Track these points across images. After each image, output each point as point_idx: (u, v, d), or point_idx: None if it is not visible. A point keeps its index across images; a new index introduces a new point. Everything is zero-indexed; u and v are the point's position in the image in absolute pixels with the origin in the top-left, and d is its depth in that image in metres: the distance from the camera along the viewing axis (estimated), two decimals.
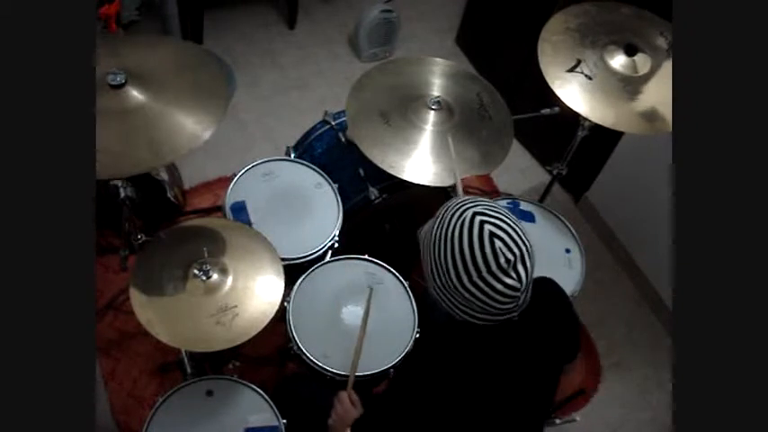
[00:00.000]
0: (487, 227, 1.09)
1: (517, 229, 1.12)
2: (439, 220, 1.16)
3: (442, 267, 1.12)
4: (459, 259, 1.09)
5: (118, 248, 1.99)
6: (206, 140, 1.43)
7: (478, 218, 1.10)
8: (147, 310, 1.46)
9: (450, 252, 1.10)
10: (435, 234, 1.14)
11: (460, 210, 1.13)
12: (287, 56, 3.07)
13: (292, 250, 1.75)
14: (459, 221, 1.11)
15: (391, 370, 1.66)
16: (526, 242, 1.12)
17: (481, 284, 1.09)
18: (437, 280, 1.15)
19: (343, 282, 1.77)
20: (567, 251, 1.93)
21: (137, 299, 1.48)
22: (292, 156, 2.01)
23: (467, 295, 1.11)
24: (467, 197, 1.19)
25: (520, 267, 1.09)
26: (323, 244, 1.79)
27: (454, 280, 1.11)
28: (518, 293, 1.10)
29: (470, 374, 1.21)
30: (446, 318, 1.21)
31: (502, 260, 1.07)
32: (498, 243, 1.08)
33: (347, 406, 1.38)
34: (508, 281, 1.08)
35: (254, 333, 1.46)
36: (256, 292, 1.53)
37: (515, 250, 1.09)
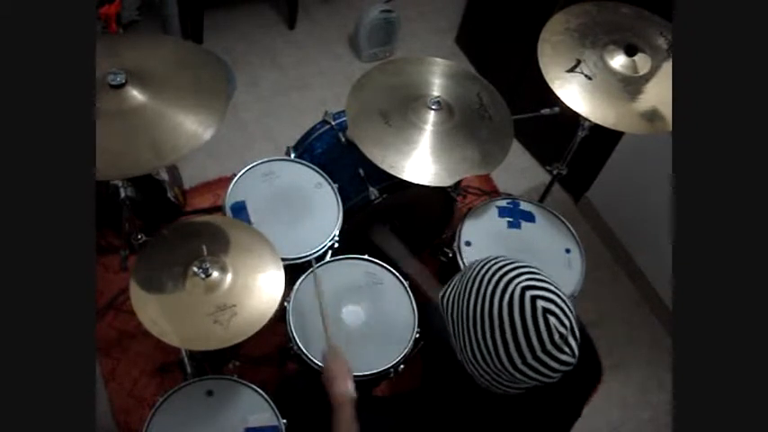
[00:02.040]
0: (540, 303, 0.99)
1: (559, 291, 1.04)
2: (476, 292, 1.04)
3: (488, 349, 1.02)
4: (512, 341, 0.99)
5: (118, 248, 2.00)
6: (206, 140, 1.43)
7: (528, 293, 1.00)
8: (147, 309, 1.46)
9: (499, 334, 1.00)
10: (477, 311, 1.03)
11: (503, 283, 1.02)
12: (287, 56, 3.07)
13: (292, 250, 1.75)
14: (507, 299, 1.00)
15: (391, 370, 1.66)
16: (568, 303, 1.03)
17: (536, 365, 1.00)
18: (480, 361, 1.04)
19: (343, 282, 1.77)
20: (567, 251, 1.93)
21: (137, 298, 1.48)
22: (292, 156, 2.02)
23: (518, 375, 1.02)
24: (493, 258, 1.08)
25: (571, 340, 1.01)
26: (323, 244, 1.79)
27: (505, 362, 1.01)
28: (571, 367, 1.03)
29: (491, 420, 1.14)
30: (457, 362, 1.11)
31: (556, 337, 0.99)
32: (552, 319, 0.99)
33: (338, 362, 1.39)
34: (563, 357, 1.01)
35: (251, 333, 1.46)
36: (256, 292, 1.53)
37: (566, 322, 1.01)
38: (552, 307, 1.00)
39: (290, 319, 1.67)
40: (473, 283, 1.06)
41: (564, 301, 1.02)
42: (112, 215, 1.87)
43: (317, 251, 1.78)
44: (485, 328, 1.02)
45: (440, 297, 1.13)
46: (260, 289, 1.53)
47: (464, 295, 1.06)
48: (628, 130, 1.83)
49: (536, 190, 2.61)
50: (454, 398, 1.17)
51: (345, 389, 1.38)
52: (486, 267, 1.06)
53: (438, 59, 1.98)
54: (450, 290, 1.12)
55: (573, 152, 2.03)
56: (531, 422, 1.17)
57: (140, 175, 1.46)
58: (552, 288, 1.03)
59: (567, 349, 1.00)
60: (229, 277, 1.53)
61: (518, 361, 1.00)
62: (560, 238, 1.96)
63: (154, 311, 1.46)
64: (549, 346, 0.99)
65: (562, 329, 0.99)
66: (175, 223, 1.66)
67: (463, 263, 1.85)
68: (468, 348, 1.05)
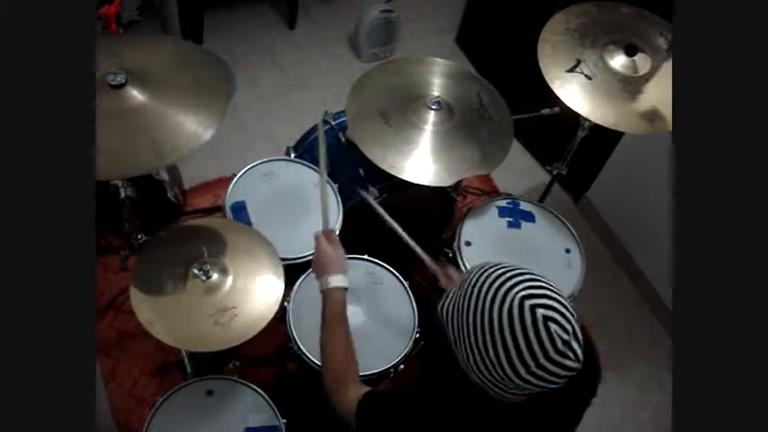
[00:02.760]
0: (540, 311, 0.98)
1: (559, 296, 1.02)
2: (474, 303, 1.03)
3: (491, 359, 1.01)
4: (514, 351, 0.98)
5: (118, 248, 2.00)
6: (206, 140, 1.43)
7: (528, 302, 0.99)
8: (146, 310, 1.46)
9: (501, 344, 0.99)
10: (477, 323, 1.02)
11: (502, 293, 1.01)
12: (287, 56, 3.07)
13: (292, 250, 1.74)
14: (507, 309, 0.99)
15: (391, 370, 1.66)
16: (569, 306, 1.02)
17: (540, 372, 0.99)
18: (484, 371, 1.03)
19: None
20: (567, 251, 1.93)
21: (137, 298, 1.48)
22: (292, 156, 2.02)
23: (521, 384, 1.01)
24: (491, 266, 1.06)
25: (575, 344, 0.99)
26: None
27: (508, 372, 1.00)
28: (575, 372, 1.01)
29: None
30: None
31: (559, 343, 0.98)
32: (553, 326, 0.98)
33: (325, 246, 1.36)
34: (567, 363, 0.99)
35: (251, 335, 1.46)
36: (256, 294, 1.53)
37: (568, 327, 0.99)
38: (552, 314, 0.99)
39: (290, 319, 1.67)
40: (471, 292, 1.05)
41: (564, 305, 1.01)
42: (112, 215, 1.87)
43: None
44: (486, 338, 1.01)
45: (439, 308, 1.13)
46: (260, 291, 1.53)
47: (463, 305, 1.05)
48: (628, 130, 1.83)
49: (536, 190, 2.61)
50: (451, 399, 1.16)
51: (339, 276, 1.33)
52: (485, 276, 1.05)
53: (438, 59, 1.98)
54: (448, 300, 1.11)
55: (573, 152, 2.03)
56: (531, 426, 1.16)
57: (140, 175, 1.46)
58: (551, 294, 1.02)
59: (570, 354, 0.99)
60: (230, 279, 1.53)
61: (522, 370, 0.99)
62: (560, 238, 1.95)
63: (153, 312, 1.46)
64: (552, 354, 0.98)
65: (564, 336, 0.98)
66: (175, 224, 1.66)
67: (463, 263, 1.84)
68: (471, 358, 1.04)
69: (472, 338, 1.03)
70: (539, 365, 0.98)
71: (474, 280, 1.06)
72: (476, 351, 1.03)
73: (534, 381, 1.00)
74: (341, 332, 1.32)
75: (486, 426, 1.13)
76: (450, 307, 1.09)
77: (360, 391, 1.22)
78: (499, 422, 1.13)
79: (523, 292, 1.00)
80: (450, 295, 1.11)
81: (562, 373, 0.99)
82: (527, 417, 1.13)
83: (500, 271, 1.05)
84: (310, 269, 1.75)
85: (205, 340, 1.46)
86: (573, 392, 1.15)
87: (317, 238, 1.42)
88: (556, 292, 1.03)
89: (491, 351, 1.00)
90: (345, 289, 1.36)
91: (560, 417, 1.21)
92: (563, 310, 1.00)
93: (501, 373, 1.01)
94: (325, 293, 1.35)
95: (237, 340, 1.46)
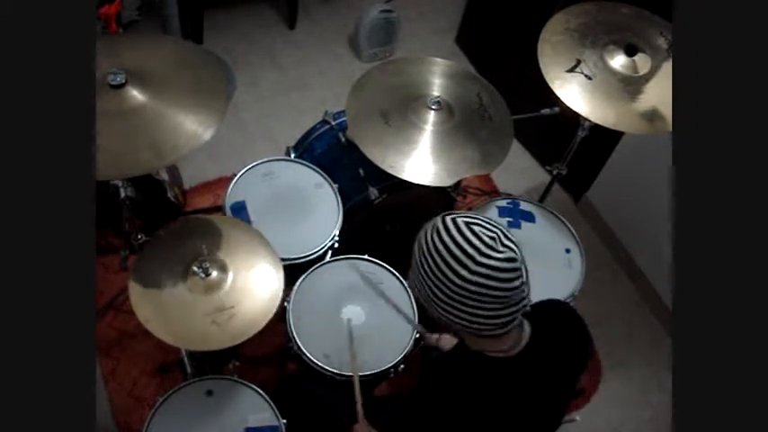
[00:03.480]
0: (459, 219, 1.10)
1: (482, 215, 1.14)
2: (417, 248, 1.15)
3: (439, 279, 1.10)
4: (452, 258, 1.08)
5: (118, 248, 2.00)
6: (206, 140, 1.43)
7: (448, 217, 1.11)
8: (146, 308, 1.46)
9: (440, 258, 1.09)
10: (420, 258, 1.13)
11: (430, 225, 1.13)
12: (287, 56, 3.08)
13: (292, 250, 1.75)
14: (433, 231, 1.11)
15: (391, 370, 1.66)
16: (492, 221, 1.12)
17: (482, 270, 1.06)
18: (441, 297, 1.12)
19: (344, 282, 1.77)
20: (567, 251, 1.93)
21: (136, 297, 1.48)
22: (292, 156, 2.02)
23: (475, 289, 1.07)
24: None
25: (506, 241, 1.08)
26: (323, 244, 1.79)
27: (457, 281, 1.08)
28: (517, 264, 1.08)
29: (485, 403, 1.18)
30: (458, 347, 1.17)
31: (486, 239, 1.07)
32: (476, 227, 1.08)
33: None
34: (502, 255, 1.06)
35: (248, 336, 1.46)
36: (255, 295, 1.53)
37: (494, 228, 1.09)
38: (474, 220, 1.10)
39: (290, 319, 1.67)
40: (415, 245, 1.16)
41: (489, 220, 1.11)
42: (112, 215, 1.87)
43: (317, 251, 1.78)
44: (429, 264, 1.10)
45: (409, 285, 1.21)
46: (259, 292, 1.53)
47: (414, 259, 1.16)
48: (628, 130, 1.83)
49: (536, 190, 2.61)
50: (453, 392, 1.19)
51: None
52: (421, 229, 1.16)
53: (438, 59, 1.98)
54: (410, 273, 1.20)
55: (573, 152, 2.03)
56: (527, 410, 1.20)
57: (140, 175, 1.46)
58: (472, 214, 1.12)
59: (502, 248, 1.07)
60: (229, 278, 1.53)
61: (465, 272, 1.06)
62: (560, 238, 1.96)
63: (153, 311, 1.46)
64: (484, 249, 1.06)
65: (491, 233, 1.08)
66: (175, 222, 1.66)
67: None
68: (431, 294, 1.12)
69: (422, 275, 1.12)
70: (476, 263, 1.06)
71: (418, 238, 1.16)
72: (429, 283, 1.12)
73: (483, 281, 1.07)
74: None
75: (483, 383, 1.18)
76: (411, 272, 1.19)
77: None
78: (493, 376, 1.18)
79: (445, 215, 1.12)
80: (412, 269, 1.20)
81: (501, 265, 1.06)
82: (523, 367, 1.19)
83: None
84: (310, 269, 1.76)
85: (204, 339, 1.46)
86: (564, 343, 1.26)
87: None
88: (478, 212, 1.13)
89: (437, 271, 1.09)
90: None
91: (556, 365, 1.25)
92: (485, 220, 1.11)
93: (454, 288, 1.09)
94: None
95: (237, 339, 1.46)
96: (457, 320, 1.13)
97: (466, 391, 1.18)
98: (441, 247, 1.09)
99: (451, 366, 1.24)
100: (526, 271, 1.12)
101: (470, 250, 1.07)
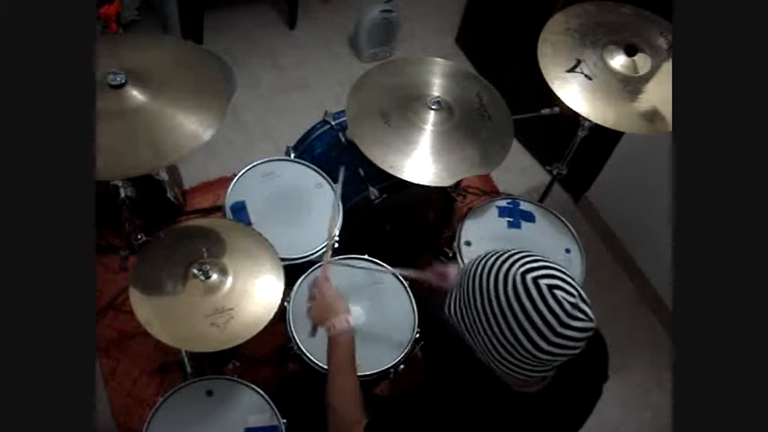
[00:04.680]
0: (543, 282, 1.01)
1: (555, 264, 1.05)
2: (479, 293, 1.05)
3: (510, 343, 1.03)
4: (530, 326, 1.00)
5: (118, 248, 2.00)
6: (206, 140, 1.43)
7: (529, 276, 1.01)
8: (145, 309, 1.46)
9: (516, 324, 1.01)
10: (488, 311, 1.04)
11: (502, 275, 1.03)
12: (287, 56, 3.07)
13: (292, 250, 1.75)
14: (512, 288, 1.02)
15: (391, 370, 1.66)
16: (568, 273, 1.05)
17: (559, 341, 1.01)
18: (508, 358, 1.05)
19: (344, 282, 1.76)
20: (567, 251, 1.93)
21: (136, 298, 1.48)
22: (292, 156, 2.02)
23: (546, 357, 1.03)
24: (484, 255, 1.09)
25: (583, 305, 1.03)
26: (323, 244, 1.79)
27: (530, 349, 1.02)
28: (591, 331, 1.04)
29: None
30: (469, 360, 1.13)
31: (568, 307, 1.00)
32: (559, 293, 1.00)
33: (324, 289, 1.34)
34: (581, 324, 1.02)
35: (247, 337, 1.46)
36: (254, 296, 1.52)
37: (573, 291, 1.02)
38: (555, 282, 1.02)
39: (290, 319, 1.67)
40: (474, 284, 1.07)
41: (563, 272, 1.04)
42: (112, 215, 1.87)
43: (317, 251, 1.78)
44: (500, 323, 1.03)
45: (446, 310, 1.14)
46: (258, 294, 1.53)
47: (469, 299, 1.07)
48: (628, 130, 1.83)
49: (536, 190, 2.61)
50: (461, 393, 1.17)
51: (344, 316, 1.31)
52: (482, 265, 1.07)
53: (438, 59, 1.98)
54: (453, 299, 1.12)
55: (573, 152, 2.03)
56: (543, 416, 1.18)
57: (140, 175, 1.46)
58: (549, 264, 1.05)
59: (581, 315, 1.02)
60: (229, 280, 1.53)
61: (542, 343, 1.01)
62: (560, 237, 1.96)
63: (152, 312, 1.46)
64: (565, 319, 1.00)
65: (571, 299, 1.01)
66: (176, 225, 1.66)
67: (463, 263, 1.85)
68: (492, 348, 1.06)
69: (487, 328, 1.05)
70: (556, 334, 1.00)
71: (473, 272, 1.08)
72: (494, 339, 1.05)
73: (557, 351, 1.02)
74: (353, 372, 1.31)
75: (503, 417, 1.14)
76: (457, 305, 1.11)
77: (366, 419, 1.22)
78: (515, 412, 1.15)
79: (522, 268, 1.03)
80: (454, 294, 1.12)
81: (579, 335, 1.02)
82: (543, 406, 1.15)
83: (495, 256, 1.08)
84: (310, 269, 1.76)
85: (202, 341, 1.46)
86: (585, 378, 1.22)
87: (319, 281, 1.38)
88: (552, 262, 1.06)
89: (508, 334, 1.02)
90: (353, 329, 1.33)
91: (575, 403, 1.23)
92: (564, 277, 1.03)
93: (524, 352, 1.03)
94: (334, 338, 1.32)
95: (234, 342, 1.46)
96: (503, 367, 1.08)
97: (477, 420, 1.14)
98: (519, 311, 1.01)
99: (464, 395, 1.18)
100: None
101: (552, 320, 1.00)
